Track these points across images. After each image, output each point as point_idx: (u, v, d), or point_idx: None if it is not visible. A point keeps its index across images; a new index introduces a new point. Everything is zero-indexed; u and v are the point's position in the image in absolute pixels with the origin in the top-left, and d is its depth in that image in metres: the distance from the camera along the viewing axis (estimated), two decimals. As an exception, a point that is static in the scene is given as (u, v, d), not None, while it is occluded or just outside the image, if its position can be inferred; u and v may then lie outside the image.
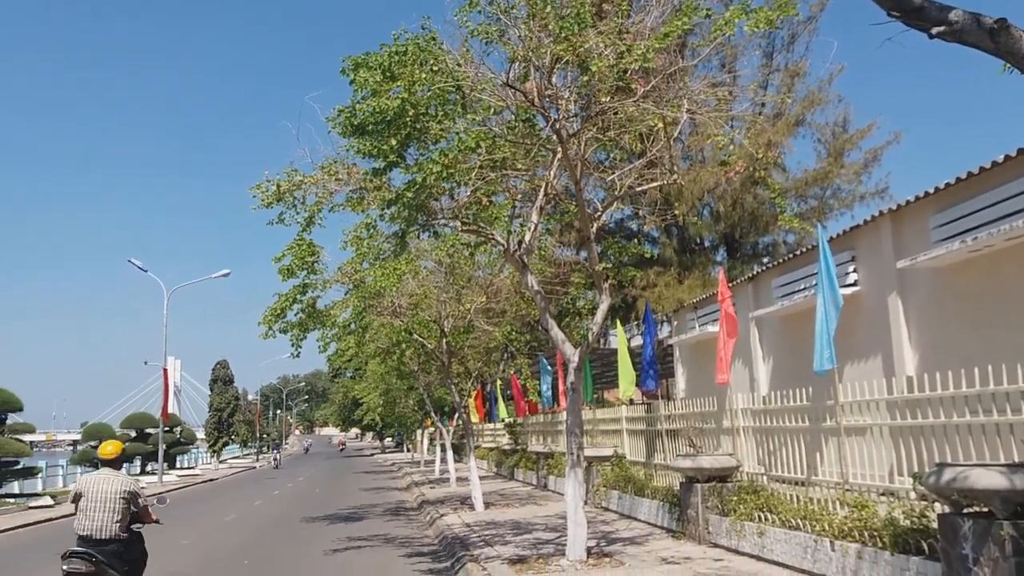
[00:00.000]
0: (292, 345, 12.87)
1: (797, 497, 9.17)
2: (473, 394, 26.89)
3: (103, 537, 7.25)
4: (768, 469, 10.48)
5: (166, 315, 36.00)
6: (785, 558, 8.58)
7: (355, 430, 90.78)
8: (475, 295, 16.01)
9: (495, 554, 10.67)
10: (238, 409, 69.57)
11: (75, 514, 7.49)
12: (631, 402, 17.66)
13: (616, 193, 10.17)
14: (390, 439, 78.99)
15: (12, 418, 26.17)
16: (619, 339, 16.20)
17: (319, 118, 9.55)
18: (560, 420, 20.24)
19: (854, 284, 13.59)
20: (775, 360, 16.87)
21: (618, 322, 17.81)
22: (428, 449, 44.92)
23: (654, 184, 10.07)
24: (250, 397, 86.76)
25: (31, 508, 22.58)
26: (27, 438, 27.70)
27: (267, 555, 13.09)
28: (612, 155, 11.29)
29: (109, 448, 7.79)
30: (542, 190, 9.87)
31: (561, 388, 19.95)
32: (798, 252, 15.90)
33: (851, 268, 13.71)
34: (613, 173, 10.30)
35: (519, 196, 10.77)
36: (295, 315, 12.48)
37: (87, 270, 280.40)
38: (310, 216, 10.59)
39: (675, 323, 22.58)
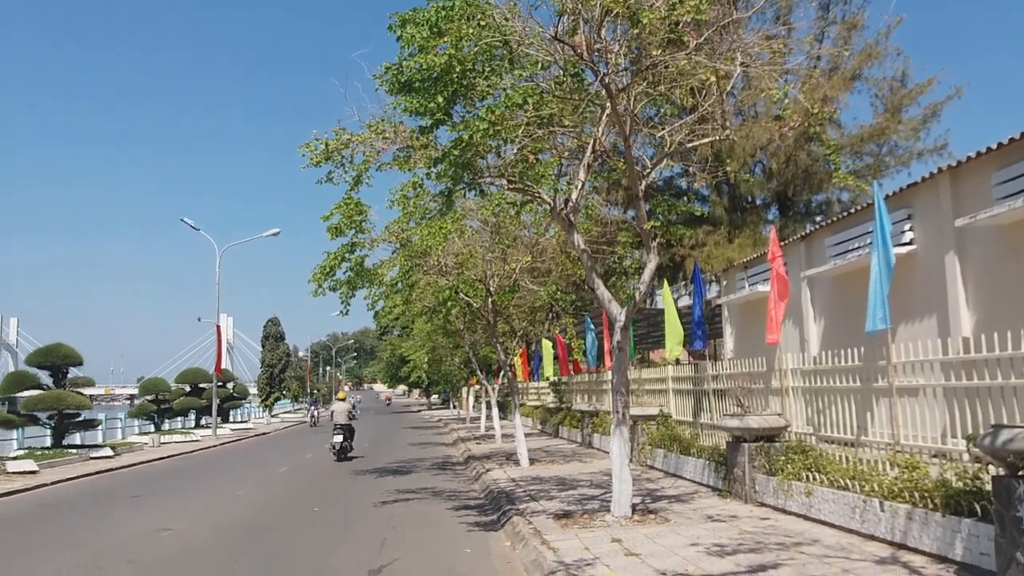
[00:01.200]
0: (341, 303, 13.04)
1: (846, 458, 9.07)
2: (518, 353, 27.05)
3: (342, 423, 21.29)
4: (817, 429, 10.38)
5: (218, 273, 36.79)
6: (833, 518, 8.53)
7: (402, 387, 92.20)
8: (521, 254, 16.00)
9: (540, 509, 10.81)
10: (289, 365, 71.17)
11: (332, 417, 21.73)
12: (677, 362, 17.59)
13: (666, 150, 10.00)
14: (436, 396, 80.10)
15: (73, 372, 27.01)
16: (666, 299, 16.06)
17: (366, 75, 9.55)
18: (605, 379, 20.27)
19: (910, 243, 13.26)
20: (826, 320, 16.61)
21: (665, 282, 17.64)
22: (473, 406, 45.46)
23: (705, 140, 9.87)
24: (300, 354, 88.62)
25: (92, 459, 23.47)
26: (87, 392, 28.54)
27: (320, 506, 13.42)
28: (662, 110, 11.08)
29: (342, 396, 21.80)
30: (590, 147, 9.74)
31: (606, 347, 19.95)
32: (852, 210, 15.55)
33: (907, 227, 13.37)
34: (663, 129, 10.12)
35: (566, 153, 10.66)
36: (344, 273, 12.62)
37: (144, 230, 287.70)
38: (358, 175, 10.63)
39: (724, 283, 22.34)
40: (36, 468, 19.65)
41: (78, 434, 27.18)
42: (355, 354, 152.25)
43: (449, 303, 16.64)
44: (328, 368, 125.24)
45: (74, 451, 24.10)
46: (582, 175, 9.85)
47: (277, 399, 64.63)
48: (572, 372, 24.98)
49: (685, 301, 24.67)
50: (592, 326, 22.30)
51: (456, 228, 14.23)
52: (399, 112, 9.55)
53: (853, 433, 9.52)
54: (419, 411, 69.69)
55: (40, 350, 26.76)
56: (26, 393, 25.97)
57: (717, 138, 9.78)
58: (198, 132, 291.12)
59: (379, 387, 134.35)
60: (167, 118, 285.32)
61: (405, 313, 20.49)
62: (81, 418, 26.13)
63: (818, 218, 25.47)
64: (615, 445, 9.80)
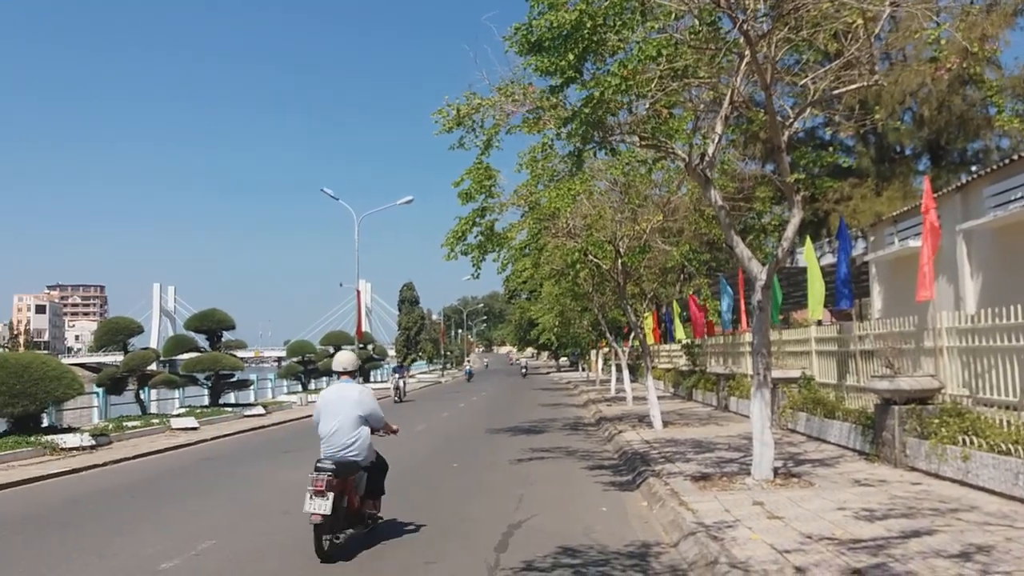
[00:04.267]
0: (473, 266, 13.27)
1: (1008, 422, 8.46)
2: (649, 315, 26.71)
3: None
4: (974, 392, 9.72)
5: (357, 240, 38.16)
6: (992, 484, 7.99)
7: (530, 349, 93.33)
8: (651, 214, 15.70)
9: (676, 470, 10.69)
10: (423, 328, 73.46)
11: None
12: (819, 323, 16.86)
13: (809, 98, 9.48)
14: (565, 359, 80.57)
15: (226, 336, 28.98)
16: (808, 256, 15.36)
17: (496, 38, 9.54)
18: (742, 341, 19.73)
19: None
20: (985, 276, 15.47)
21: (807, 238, 16.85)
22: (602, 369, 45.40)
23: (851, 87, 9.28)
24: (434, 317, 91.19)
25: (245, 416, 25.13)
26: (240, 354, 30.55)
27: (457, 462, 13.84)
28: (805, 57, 10.50)
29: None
30: (727, 98, 9.37)
31: (742, 308, 19.37)
32: (1015, 157, 14.30)
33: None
34: (805, 77, 9.59)
35: (701, 106, 10.31)
36: (475, 238, 12.80)
37: (288, 200, 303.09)
38: (488, 139, 10.70)
39: (871, 238, 21.17)
40: (197, 425, 21.22)
41: (232, 394, 29.14)
42: (485, 318, 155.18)
43: (578, 265, 16.60)
44: (459, 331, 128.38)
45: (229, 409, 25.88)
46: (719, 128, 9.50)
47: (414, 360, 66.99)
48: (706, 334, 24.45)
49: (827, 259, 23.56)
50: (728, 287, 21.70)
51: (585, 189, 14.11)
52: (529, 73, 9.53)
53: (1017, 396, 8.85)
54: (548, 373, 70.34)
55: (197, 315, 28.82)
56: (185, 356, 28.07)
57: (864, 84, 9.18)
58: (339, 98, 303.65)
59: (507, 349, 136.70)
60: (310, 84, 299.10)
61: (533, 276, 20.63)
62: (235, 378, 27.98)
63: (974, 168, 23.60)
64: (755, 408, 9.54)
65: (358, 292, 37.71)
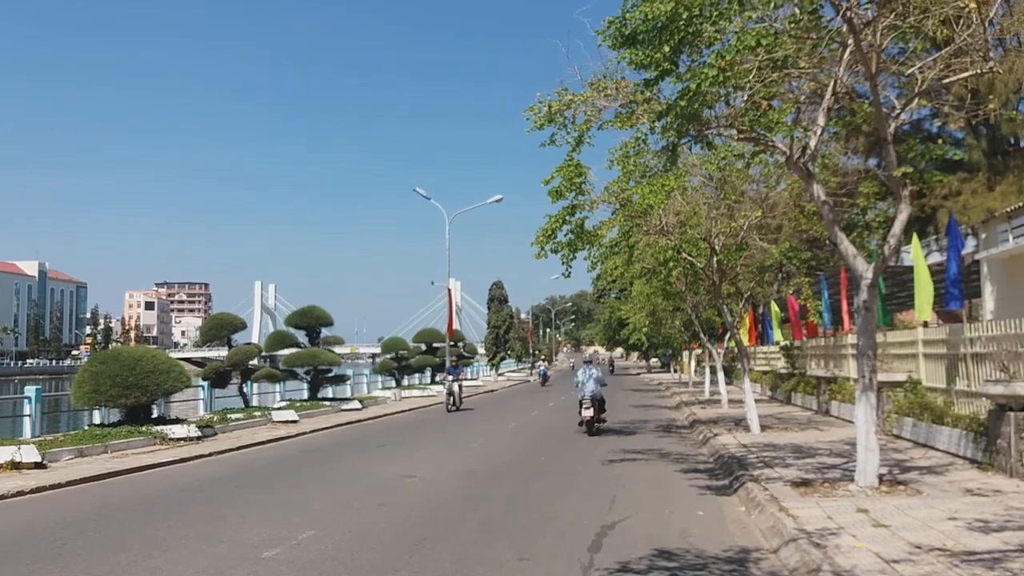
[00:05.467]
0: (563, 264, 13.16)
1: None
2: (745, 316, 26.03)
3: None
4: (1105, 400, 9.05)
5: (448, 239, 38.62)
6: None
7: (619, 349, 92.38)
8: (749, 210, 15.27)
9: (776, 475, 10.36)
10: (512, 327, 73.80)
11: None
12: (925, 324, 16.05)
13: (916, 88, 9.02)
14: (656, 359, 79.49)
15: (324, 332, 29.78)
16: (915, 255, 14.63)
17: (588, 33, 9.45)
18: (844, 343, 19.01)
19: None
20: (1114, 276, 14.42)
21: (914, 236, 16.05)
22: (695, 370, 44.56)
23: (963, 75, 8.78)
24: (522, 316, 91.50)
25: (342, 411, 25.77)
26: (337, 350, 31.34)
27: (548, 461, 13.82)
28: (912, 45, 10.00)
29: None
30: (830, 88, 9.01)
31: (844, 308, 18.64)
32: None
33: None
34: (913, 66, 9.13)
35: (802, 98, 9.95)
36: (564, 236, 12.70)
37: (381, 200, 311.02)
38: (579, 135, 10.61)
39: (983, 236, 20.06)
40: (297, 418, 21.89)
41: (330, 388, 29.91)
42: (573, 317, 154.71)
43: (671, 263, 16.28)
44: (547, 330, 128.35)
45: (327, 403, 26.60)
46: (821, 120, 9.15)
47: (503, 359, 67.48)
48: (805, 335, 23.65)
49: (934, 258, 22.42)
50: (827, 286, 20.93)
51: (678, 185, 13.83)
52: (622, 67, 9.39)
53: None
54: (638, 374, 69.59)
55: (297, 312, 29.76)
56: (285, 351, 29.00)
57: (976, 73, 8.66)
58: (427, 101, 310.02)
59: (591, 349, 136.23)
60: (399, 88, 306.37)
61: (624, 275, 20.35)
62: (332, 373, 28.76)
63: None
64: (860, 412, 9.16)
65: (449, 290, 38.12)
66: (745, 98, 9.04)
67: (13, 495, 10.85)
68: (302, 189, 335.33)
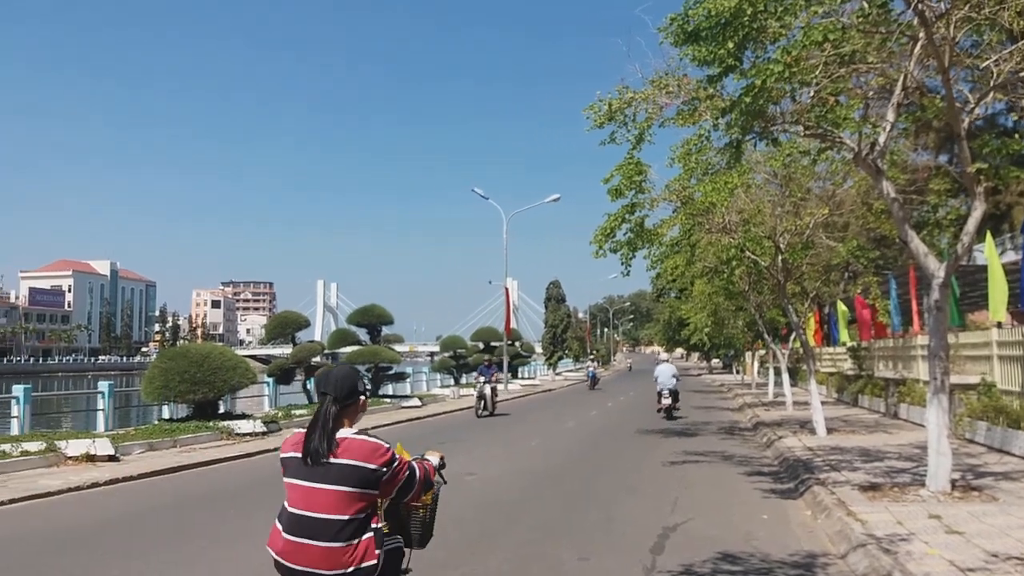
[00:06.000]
0: (622, 263, 13.07)
1: None
2: (810, 316, 25.48)
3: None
4: None
5: (505, 239, 38.76)
6: None
7: (679, 350, 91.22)
8: (815, 208, 14.94)
9: (843, 479, 10.12)
10: (570, 326, 73.56)
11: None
12: (999, 325, 15.47)
13: (992, 82, 8.70)
14: (718, 360, 78.35)
15: (385, 330, 30.18)
16: (988, 253, 14.14)
17: (650, 30, 9.36)
18: (913, 344, 18.46)
19: None
20: None
21: (988, 234, 15.49)
22: (758, 371, 43.79)
23: (1042, 67, 8.45)
24: (580, 315, 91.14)
25: (402, 408, 26.08)
26: (397, 348, 31.73)
27: (607, 461, 13.75)
28: (987, 38, 9.65)
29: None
30: (899, 83, 8.76)
31: (914, 308, 18.11)
32: None
33: None
34: (988, 59, 8.81)
35: (870, 93, 9.70)
36: (624, 234, 12.61)
37: (440, 200, 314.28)
38: (640, 133, 10.52)
39: (1061, 234, 19.23)
40: (359, 414, 22.20)
41: (390, 385, 30.33)
42: (631, 316, 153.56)
43: (733, 262, 16.03)
44: (606, 330, 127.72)
45: (387, 400, 26.96)
46: (890, 116, 8.91)
47: (560, 358, 67.33)
48: (873, 336, 23.03)
49: (1009, 257, 21.61)
50: (896, 286, 20.34)
51: (742, 182, 13.60)
52: (684, 64, 9.29)
53: None
54: (699, 375, 68.71)
55: (358, 310, 30.21)
56: (347, 349, 29.48)
57: (1059, 63, 8.32)
58: (490, 103, 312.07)
59: (649, 349, 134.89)
60: (463, 90, 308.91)
61: (684, 274, 20.10)
62: (393, 371, 29.11)
63: None
64: (932, 415, 8.89)
65: (506, 290, 38.33)
66: (811, 94, 8.84)
67: (89, 486, 11.29)
68: (366, 191, 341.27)
